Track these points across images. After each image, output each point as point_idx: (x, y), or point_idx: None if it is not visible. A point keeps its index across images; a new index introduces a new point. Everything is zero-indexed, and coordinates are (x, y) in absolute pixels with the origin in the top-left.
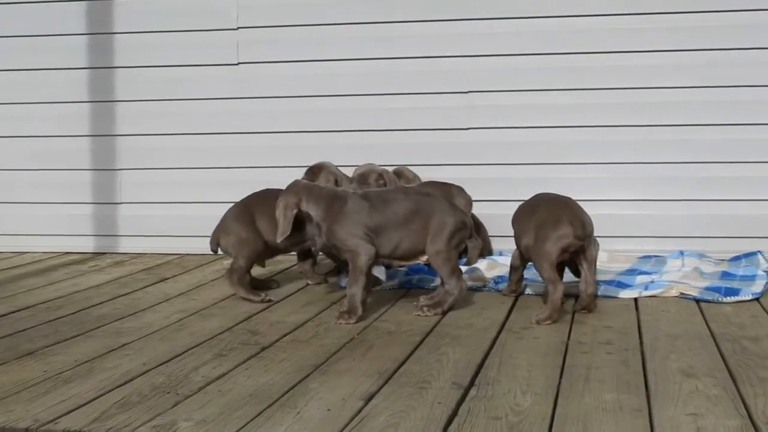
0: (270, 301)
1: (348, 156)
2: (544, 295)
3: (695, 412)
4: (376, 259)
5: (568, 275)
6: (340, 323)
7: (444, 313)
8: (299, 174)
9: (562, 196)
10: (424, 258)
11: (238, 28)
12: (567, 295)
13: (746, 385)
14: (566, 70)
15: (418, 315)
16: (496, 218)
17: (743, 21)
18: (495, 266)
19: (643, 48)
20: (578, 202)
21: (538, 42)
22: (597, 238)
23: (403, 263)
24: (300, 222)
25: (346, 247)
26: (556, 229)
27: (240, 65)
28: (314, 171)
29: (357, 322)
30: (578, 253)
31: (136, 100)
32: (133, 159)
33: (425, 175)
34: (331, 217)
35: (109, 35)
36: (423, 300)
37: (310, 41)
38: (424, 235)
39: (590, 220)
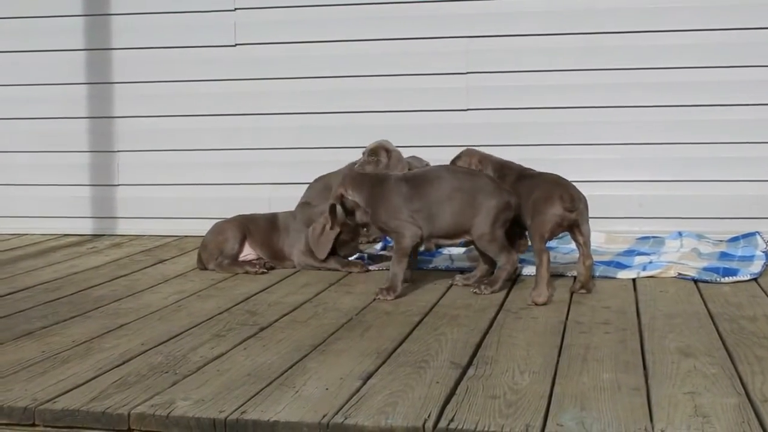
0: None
1: (346, 137)
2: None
3: (693, 390)
4: (424, 239)
5: (562, 259)
6: (379, 299)
7: (500, 290)
8: (291, 155)
9: (550, 174)
10: (468, 237)
11: (236, 9)
12: (559, 275)
13: (744, 363)
14: (565, 51)
15: (476, 293)
16: None
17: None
18: None
19: (644, 29)
20: (574, 183)
21: (537, 22)
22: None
23: (447, 242)
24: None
25: (390, 229)
26: (551, 205)
27: (238, 46)
28: (374, 152)
29: (395, 299)
30: (573, 229)
31: (133, 81)
32: (131, 141)
33: (426, 156)
34: (374, 201)
35: (107, 16)
36: (459, 279)
37: (307, 22)
38: (470, 213)
39: (581, 195)
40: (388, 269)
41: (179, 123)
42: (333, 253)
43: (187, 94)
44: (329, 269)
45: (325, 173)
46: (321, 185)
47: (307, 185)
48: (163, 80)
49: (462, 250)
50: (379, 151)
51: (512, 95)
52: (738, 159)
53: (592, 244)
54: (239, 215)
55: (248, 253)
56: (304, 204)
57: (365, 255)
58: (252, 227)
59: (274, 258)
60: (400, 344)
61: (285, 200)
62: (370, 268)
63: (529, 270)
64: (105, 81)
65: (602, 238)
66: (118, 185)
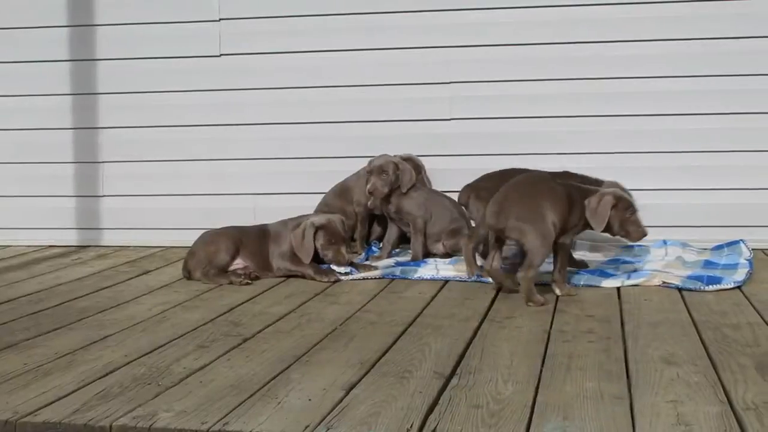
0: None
1: (330, 147)
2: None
3: (675, 399)
4: None
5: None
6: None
7: None
8: (275, 165)
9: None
10: None
11: (221, 19)
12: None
13: (727, 372)
14: (547, 60)
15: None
16: None
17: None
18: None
19: (625, 38)
20: None
21: (520, 33)
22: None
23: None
24: None
25: None
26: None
27: (222, 57)
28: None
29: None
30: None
31: (118, 92)
32: (116, 151)
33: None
34: None
35: (92, 27)
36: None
37: (292, 32)
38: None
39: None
40: (374, 278)
41: (164, 134)
42: (315, 260)
43: (172, 105)
44: (302, 275)
45: (341, 180)
46: (338, 187)
47: (295, 194)
48: (149, 91)
49: (448, 260)
50: (388, 167)
51: (495, 105)
52: (722, 167)
53: (577, 253)
54: (230, 226)
55: (237, 263)
56: (322, 206)
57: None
58: (244, 239)
59: (266, 269)
60: (384, 354)
61: (270, 210)
62: (355, 277)
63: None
64: (90, 92)
65: (587, 246)
66: (103, 196)
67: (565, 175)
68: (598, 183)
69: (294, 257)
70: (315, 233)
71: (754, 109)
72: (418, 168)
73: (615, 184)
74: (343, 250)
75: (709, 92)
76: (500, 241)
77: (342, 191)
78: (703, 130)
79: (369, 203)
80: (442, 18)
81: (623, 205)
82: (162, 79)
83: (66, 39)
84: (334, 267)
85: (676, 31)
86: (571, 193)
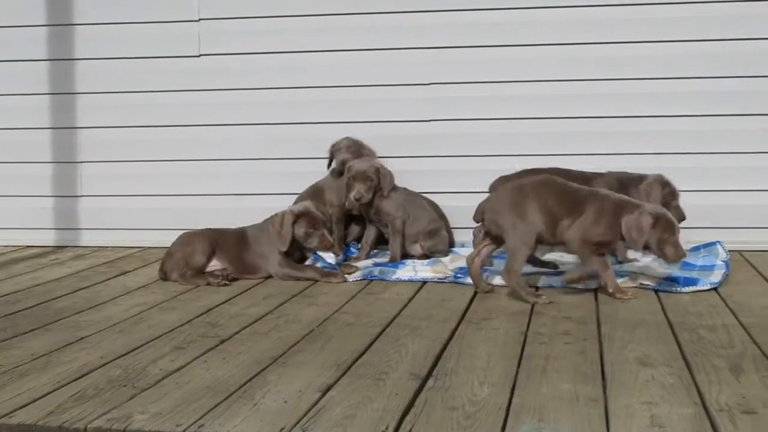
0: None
1: (310, 148)
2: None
3: (650, 400)
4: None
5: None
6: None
7: None
8: (255, 165)
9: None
10: None
11: (200, 19)
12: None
13: (701, 373)
14: (526, 61)
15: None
16: (458, 210)
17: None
18: (457, 258)
19: (605, 40)
20: None
21: (499, 34)
22: None
23: None
24: None
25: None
26: None
27: (202, 57)
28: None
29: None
30: None
31: (97, 92)
32: (94, 152)
33: (390, 167)
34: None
35: (71, 27)
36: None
37: (271, 33)
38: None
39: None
40: (363, 279)
41: (143, 134)
42: (302, 259)
43: (151, 105)
44: (308, 279)
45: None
46: (311, 189)
47: (276, 195)
48: (127, 91)
49: (426, 261)
50: (371, 172)
51: (475, 106)
52: (699, 169)
53: (555, 254)
54: (208, 228)
55: (214, 265)
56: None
57: (335, 264)
58: (221, 241)
59: (244, 272)
60: (361, 356)
61: (249, 211)
62: (349, 279)
63: (492, 280)
64: (68, 92)
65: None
66: (81, 196)
67: (607, 175)
68: (641, 178)
69: (292, 262)
70: (295, 221)
71: (727, 111)
72: (374, 154)
73: (660, 178)
74: (327, 234)
75: (686, 94)
76: (491, 238)
77: (315, 193)
78: (679, 132)
79: (347, 205)
80: (423, 19)
81: (662, 224)
82: (141, 79)
83: (44, 38)
84: (321, 254)
85: (649, 33)
86: (604, 207)
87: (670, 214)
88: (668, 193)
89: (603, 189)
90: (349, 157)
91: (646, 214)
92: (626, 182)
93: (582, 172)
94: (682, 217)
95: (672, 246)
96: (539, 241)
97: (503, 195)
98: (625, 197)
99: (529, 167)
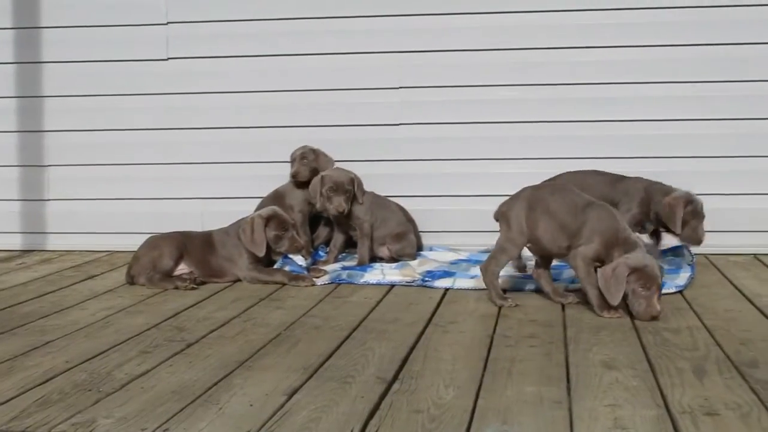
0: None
1: (279, 152)
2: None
3: (614, 403)
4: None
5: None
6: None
7: None
8: (223, 169)
9: None
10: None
11: (168, 23)
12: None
13: (665, 375)
14: (496, 66)
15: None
16: (426, 214)
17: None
18: (425, 262)
19: (573, 45)
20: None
21: (469, 38)
22: None
23: None
24: None
25: None
26: None
27: (170, 60)
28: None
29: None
30: None
31: (64, 95)
32: (62, 155)
33: (358, 171)
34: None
35: (37, 30)
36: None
37: (240, 37)
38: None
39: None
40: (332, 282)
41: (110, 137)
42: (270, 263)
43: (118, 108)
44: (276, 282)
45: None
46: (272, 194)
47: (243, 198)
48: (95, 94)
49: (394, 264)
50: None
51: (444, 110)
52: (668, 173)
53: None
54: (175, 231)
55: (181, 269)
56: None
57: (304, 267)
58: (188, 245)
59: (212, 275)
60: (327, 359)
61: (217, 215)
62: (318, 282)
63: (460, 283)
64: (35, 95)
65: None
66: (48, 200)
67: (637, 180)
68: (669, 191)
69: (260, 266)
70: (266, 224)
71: (699, 116)
72: (332, 161)
73: (686, 196)
74: (296, 236)
75: (654, 98)
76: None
77: (276, 197)
78: (650, 136)
79: (317, 206)
80: (393, 23)
81: (636, 277)
82: (108, 83)
83: (11, 41)
84: (291, 257)
85: (645, 39)
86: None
87: (652, 268)
88: (689, 212)
89: (607, 207)
90: (305, 167)
91: (623, 266)
92: (651, 192)
93: (614, 174)
94: (698, 240)
95: (644, 300)
96: (542, 251)
97: (516, 197)
98: (623, 225)
99: (570, 170)
